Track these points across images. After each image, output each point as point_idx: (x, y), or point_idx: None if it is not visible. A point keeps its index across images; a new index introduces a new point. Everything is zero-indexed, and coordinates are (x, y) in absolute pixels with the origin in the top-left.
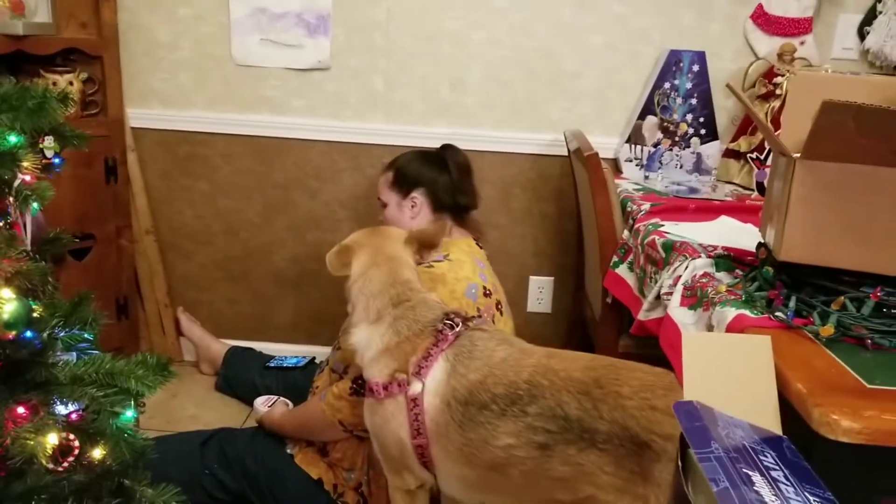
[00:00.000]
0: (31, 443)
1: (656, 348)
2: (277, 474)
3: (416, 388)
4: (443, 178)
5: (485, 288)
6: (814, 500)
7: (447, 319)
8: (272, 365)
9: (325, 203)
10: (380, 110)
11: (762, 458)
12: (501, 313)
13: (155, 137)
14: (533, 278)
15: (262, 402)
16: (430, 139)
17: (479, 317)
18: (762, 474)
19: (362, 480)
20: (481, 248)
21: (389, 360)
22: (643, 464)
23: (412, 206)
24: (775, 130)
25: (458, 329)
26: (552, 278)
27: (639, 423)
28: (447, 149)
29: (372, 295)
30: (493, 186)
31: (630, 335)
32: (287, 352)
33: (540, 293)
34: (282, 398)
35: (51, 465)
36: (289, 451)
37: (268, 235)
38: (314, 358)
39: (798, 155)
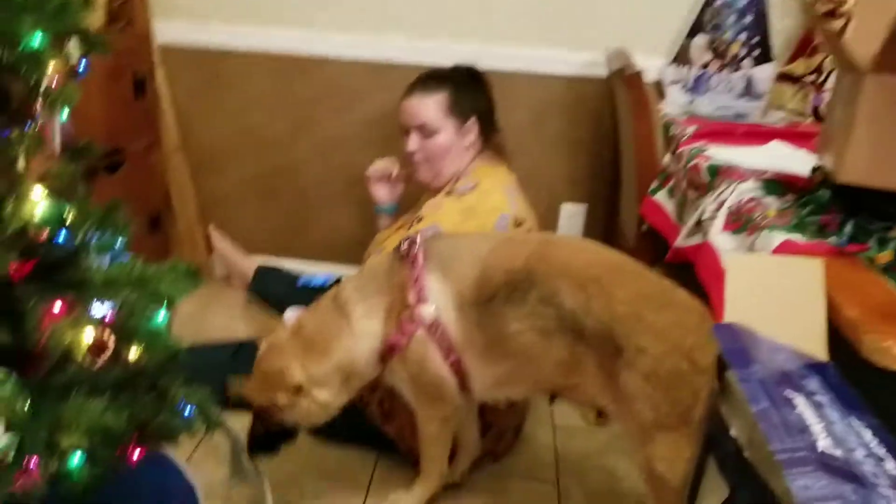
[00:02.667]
0: (68, 338)
1: (692, 278)
2: None
3: (428, 312)
4: (485, 102)
5: (515, 217)
6: (859, 426)
7: (401, 246)
8: (300, 284)
9: (350, 123)
10: (403, 27)
11: (805, 382)
12: None
13: (182, 53)
14: (565, 205)
15: (291, 314)
16: (460, 58)
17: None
18: (805, 398)
19: (384, 396)
20: (511, 172)
21: (388, 315)
22: (616, 367)
23: (468, 134)
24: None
25: (419, 243)
26: (585, 205)
27: (622, 328)
28: (475, 69)
29: (322, 329)
30: (526, 111)
31: (664, 264)
32: (316, 271)
33: (571, 221)
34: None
35: (87, 360)
36: None
37: (295, 154)
38: (341, 277)
39: (868, 69)
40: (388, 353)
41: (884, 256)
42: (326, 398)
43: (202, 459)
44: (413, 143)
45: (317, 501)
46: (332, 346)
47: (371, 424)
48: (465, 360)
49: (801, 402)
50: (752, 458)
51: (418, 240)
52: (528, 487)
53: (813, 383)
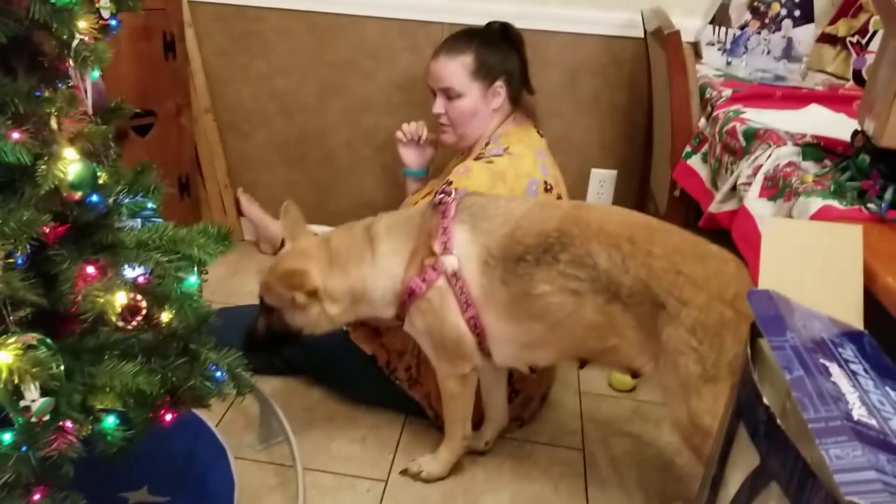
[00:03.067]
0: (101, 300)
1: (724, 245)
2: (332, 349)
3: (450, 262)
4: (516, 63)
5: (545, 183)
6: (895, 395)
7: (439, 194)
8: None
9: (380, 86)
10: None
11: (840, 350)
12: None
13: (211, 12)
14: (595, 171)
15: None
16: (494, 17)
17: None
18: (840, 366)
19: (412, 363)
20: (542, 136)
21: (413, 259)
22: (658, 324)
23: (495, 97)
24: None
25: (455, 196)
26: (615, 171)
27: (661, 283)
28: (508, 27)
29: (348, 250)
30: (560, 71)
31: (696, 230)
32: None
33: (601, 186)
34: None
35: (120, 324)
36: (344, 327)
37: (323, 119)
38: None
39: None
40: (406, 297)
41: None
42: (335, 313)
43: (232, 422)
44: (439, 105)
45: (345, 464)
46: (351, 270)
47: (399, 388)
48: (484, 317)
49: (836, 371)
50: (784, 426)
51: (454, 192)
52: (554, 453)
53: (848, 352)
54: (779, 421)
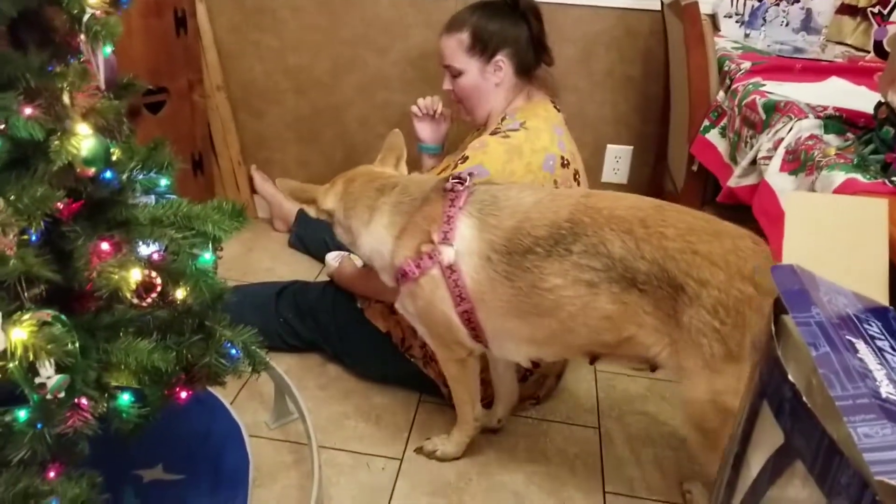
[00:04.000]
0: (116, 277)
1: (743, 219)
2: (348, 326)
3: (448, 254)
4: (524, 34)
5: (562, 158)
6: None
7: (453, 179)
8: None
9: (394, 62)
10: None
11: (866, 326)
12: (578, 183)
13: None
14: (610, 146)
15: (333, 258)
16: None
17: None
18: (866, 343)
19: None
20: (559, 110)
21: (409, 240)
22: (677, 307)
23: (496, 71)
24: None
25: (468, 184)
26: (631, 147)
27: (678, 265)
28: None
29: (357, 200)
30: (574, 45)
31: (714, 205)
32: None
33: (617, 162)
34: (351, 254)
35: (135, 300)
36: (359, 304)
37: (337, 96)
38: None
39: None
40: (399, 276)
41: None
42: (342, 236)
43: (247, 400)
44: (447, 82)
45: (360, 442)
46: (353, 218)
47: (413, 366)
48: (481, 313)
49: (862, 347)
50: (810, 404)
51: (468, 180)
52: (570, 431)
53: (874, 328)
54: (804, 398)
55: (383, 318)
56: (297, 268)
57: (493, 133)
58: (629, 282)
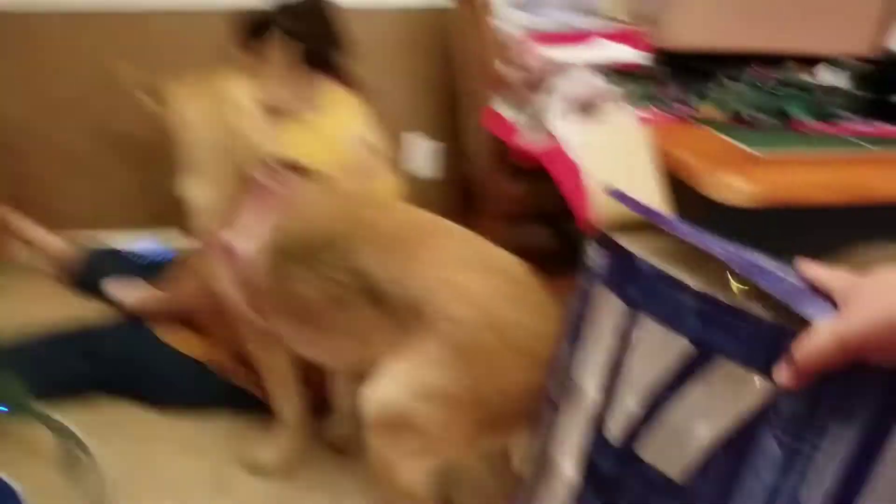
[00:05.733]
0: None
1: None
2: (150, 356)
3: (240, 245)
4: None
5: (368, 142)
6: None
7: (269, 167)
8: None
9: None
10: None
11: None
12: (384, 172)
13: None
14: (408, 136)
15: (121, 287)
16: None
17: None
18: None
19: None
20: (365, 104)
21: (214, 219)
22: (411, 330)
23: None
24: None
25: (284, 179)
26: (432, 142)
27: (424, 293)
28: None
29: (201, 140)
30: (365, 48)
31: (512, 167)
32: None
33: (417, 155)
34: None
35: None
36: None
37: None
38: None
39: None
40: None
41: (707, 110)
42: None
43: (22, 459)
44: None
45: (165, 492)
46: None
47: (221, 381)
48: (259, 304)
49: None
50: None
51: (280, 175)
52: None
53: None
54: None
55: (184, 341)
56: (62, 310)
57: (294, 120)
58: (374, 298)
